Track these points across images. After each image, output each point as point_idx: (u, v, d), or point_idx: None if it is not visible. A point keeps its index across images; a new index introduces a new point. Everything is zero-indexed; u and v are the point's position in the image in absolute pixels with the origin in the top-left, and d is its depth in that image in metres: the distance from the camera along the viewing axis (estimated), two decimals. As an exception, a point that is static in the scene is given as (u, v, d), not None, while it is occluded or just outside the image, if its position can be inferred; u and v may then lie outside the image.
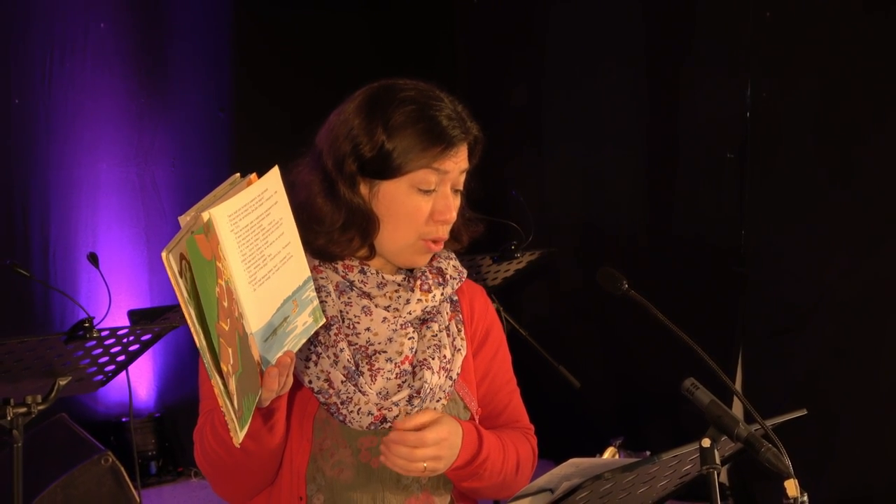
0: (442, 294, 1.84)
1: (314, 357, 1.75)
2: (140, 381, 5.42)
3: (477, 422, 1.86)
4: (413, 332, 1.80)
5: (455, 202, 1.79)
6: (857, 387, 4.42)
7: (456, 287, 1.88)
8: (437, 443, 1.69)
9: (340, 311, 1.78)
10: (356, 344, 1.77)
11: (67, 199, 5.25)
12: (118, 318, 4.58)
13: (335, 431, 1.76)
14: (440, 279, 1.85)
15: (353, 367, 1.75)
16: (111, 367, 3.07)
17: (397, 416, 1.74)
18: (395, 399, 1.75)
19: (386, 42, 6.17)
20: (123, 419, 5.25)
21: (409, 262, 1.82)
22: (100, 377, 3.09)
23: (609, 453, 2.52)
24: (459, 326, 1.88)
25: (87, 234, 5.31)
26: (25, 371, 2.76)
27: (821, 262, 4.55)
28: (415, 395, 1.76)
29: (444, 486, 1.83)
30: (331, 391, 1.73)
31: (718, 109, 4.98)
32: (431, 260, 1.86)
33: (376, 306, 1.79)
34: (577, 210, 5.72)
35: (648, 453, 1.99)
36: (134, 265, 5.42)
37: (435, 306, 1.84)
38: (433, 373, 1.78)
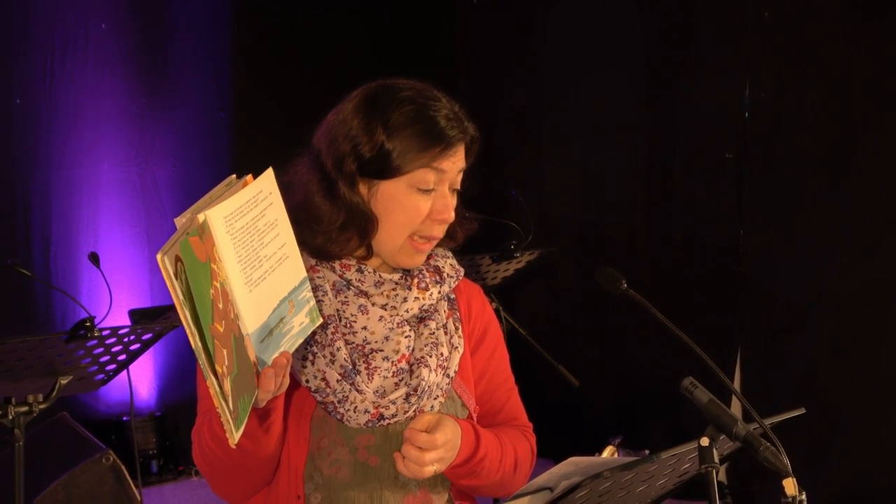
0: (439, 292, 1.85)
1: (311, 356, 1.75)
2: (141, 380, 5.42)
3: (475, 420, 1.87)
4: (410, 330, 1.81)
5: (452, 201, 1.80)
6: (856, 386, 4.43)
7: (453, 285, 1.89)
8: (444, 444, 1.71)
9: (337, 311, 1.78)
10: (353, 343, 1.78)
11: (68, 199, 5.25)
12: (119, 318, 4.58)
13: (332, 430, 1.76)
14: (437, 277, 1.86)
15: (350, 366, 1.75)
16: (112, 367, 3.08)
17: (394, 414, 1.75)
18: (391, 397, 1.75)
19: (386, 42, 6.17)
20: (124, 418, 5.25)
21: (403, 263, 1.82)
22: (101, 376, 3.10)
23: (608, 452, 2.52)
24: (457, 324, 1.89)
25: (88, 234, 5.31)
26: (27, 370, 2.76)
27: (819, 261, 4.56)
28: (412, 392, 1.76)
29: (442, 485, 1.84)
30: (327, 390, 1.74)
31: (717, 110, 4.98)
32: (428, 258, 1.87)
33: (373, 305, 1.79)
34: (577, 210, 5.72)
35: (647, 452, 2.00)
36: (135, 265, 5.42)
37: (432, 304, 1.85)
38: (430, 370, 1.78)
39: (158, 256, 1.33)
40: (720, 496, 1.54)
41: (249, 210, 1.46)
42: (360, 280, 1.79)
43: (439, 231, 1.81)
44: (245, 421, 1.49)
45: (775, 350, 4.72)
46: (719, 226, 5.01)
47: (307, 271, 1.75)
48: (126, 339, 2.99)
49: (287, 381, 1.58)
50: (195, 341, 1.38)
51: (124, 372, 3.19)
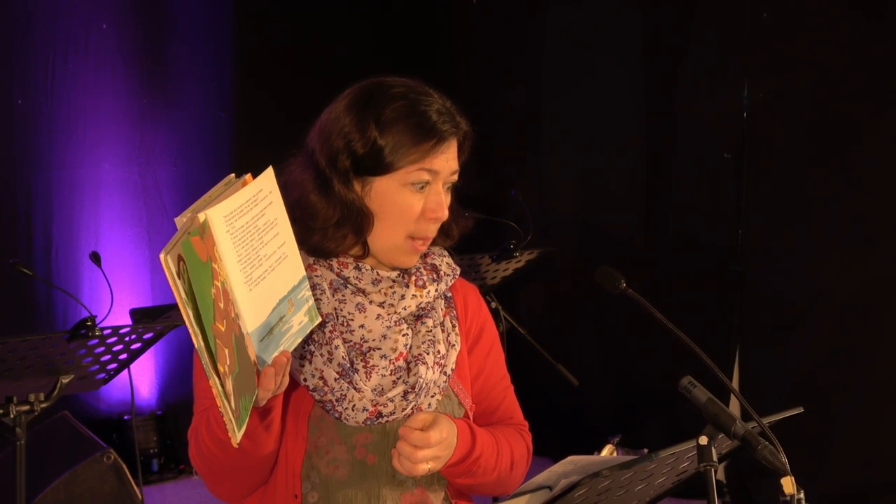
0: (436, 290, 1.85)
1: (308, 355, 1.75)
2: (142, 379, 5.42)
3: (471, 418, 1.87)
4: (407, 328, 1.81)
5: (446, 199, 1.81)
6: (854, 385, 4.44)
7: (450, 283, 1.89)
8: (439, 443, 1.71)
9: (335, 309, 1.78)
10: (351, 341, 1.78)
11: (70, 199, 5.26)
12: (120, 317, 4.59)
13: (330, 429, 1.76)
14: (434, 275, 1.86)
15: (348, 365, 1.75)
16: (113, 366, 3.08)
17: (392, 411, 1.75)
18: (389, 395, 1.75)
19: (386, 43, 6.18)
20: (125, 417, 5.25)
21: (397, 262, 1.82)
22: (102, 375, 3.10)
23: (607, 451, 2.53)
24: (454, 322, 1.89)
25: (90, 234, 5.32)
26: (28, 369, 2.77)
27: (817, 261, 4.57)
28: (409, 390, 1.77)
29: (439, 483, 1.84)
30: (325, 389, 1.74)
31: (716, 110, 4.99)
32: (425, 257, 1.87)
33: (370, 303, 1.79)
34: (576, 209, 5.73)
35: (646, 451, 2.00)
36: (136, 264, 5.43)
37: (429, 302, 1.85)
38: (428, 368, 1.79)
39: (161, 256, 1.33)
40: (718, 495, 1.55)
41: (249, 209, 1.46)
42: (357, 278, 1.80)
43: (433, 230, 1.81)
44: (246, 420, 1.49)
45: (774, 349, 4.73)
46: (718, 225, 5.02)
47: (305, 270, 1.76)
48: (127, 339, 2.99)
49: (287, 380, 1.58)
50: (198, 341, 1.38)
51: (125, 371, 3.19)
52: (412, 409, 1.77)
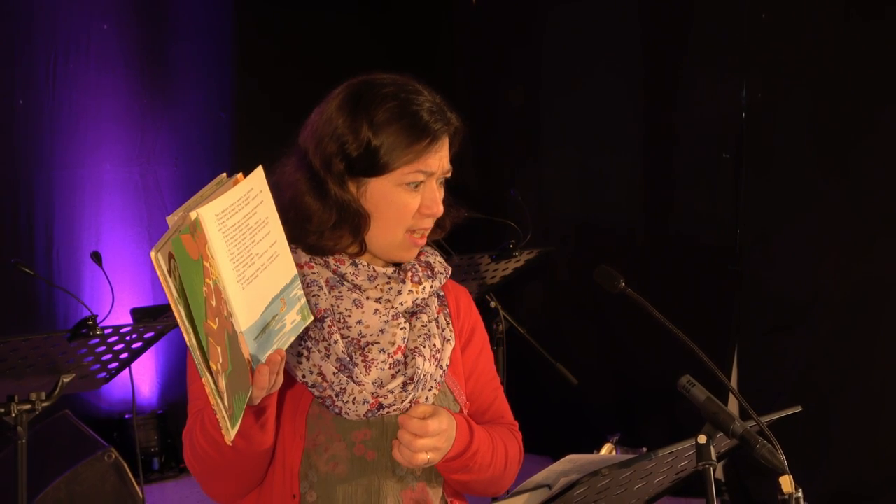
0: (431, 286, 1.87)
1: (305, 352, 1.76)
2: (143, 378, 5.43)
3: (466, 415, 1.88)
4: (404, 322, 1.82)
5: (440, 194, 1.82)
6: (852, 384, 4.45)
7: (443, 281, 1.91)
8: (437, 433, 1.72)
9: (332, 305, 1.79)
10: (348, 337, 1.78)
11: (71, 199, 5.26)
12: (121, 317, 4.60)
13: (329, 426, 1.77)
14: (429, 272, 1.88)
15: (347, 359, 1.76)
16: (114, 365, 3.09)
17: (392, 403, 1.76)
18: (389, 387, 1.76)
19: (385, 43, 6.18)
20: (126, 416, 5.25)
21: (397, 258, 1.84)
22: (103, 374, 3.11)
23: (606, 450, 2.54)
24: (447, 319, 1.91)
25: (91, 234, 5.32)
26: (30, 368, 2.78)
27: (815, 260, 4.57)
28: (408, 381, 1.77)
29: (436, 480, 1.85)
30: (324, 384, 1.74)
31: (714, 110, 5.00)
32: (419, 255, 1.89)
33: (367, 299, 1.80)
34: (575, 209, 5.73)
35: (645, 450, 2.01)
36: (137, 264, 5.43)
37: (424, 298, 1.86)
38: (425, 360, 1.80)
39: (152, 254, 1.33)
40: (717, 493, 1.56)
41: (241, 208, 1.46)
42: (354, 274, 1.81)
43: (429, 224, 1.83)
44: (240, 419, 1.49)
45: (772, 348, 4.74)
46: (716, 225, 5.02)
47: (301, 268, 1.77)
48: (128, 338, 3.00)
49: (281, 378, 1.58)
50: (189, 338, 1.38)
51: (126, 370, 3.20)
52: (410, 401, 1.77)
